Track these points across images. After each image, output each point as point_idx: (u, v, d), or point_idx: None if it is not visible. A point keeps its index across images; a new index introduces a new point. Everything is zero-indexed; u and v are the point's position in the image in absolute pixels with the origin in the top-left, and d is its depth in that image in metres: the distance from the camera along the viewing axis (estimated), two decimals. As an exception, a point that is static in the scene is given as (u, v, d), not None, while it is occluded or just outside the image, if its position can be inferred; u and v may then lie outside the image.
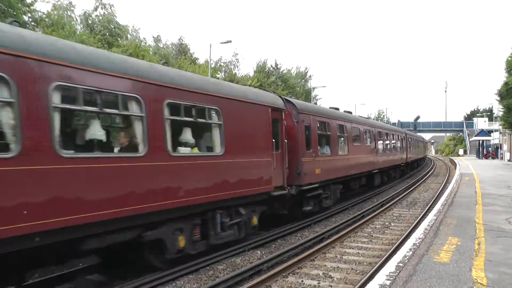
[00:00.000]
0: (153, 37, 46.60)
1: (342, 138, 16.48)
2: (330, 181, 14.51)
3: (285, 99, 12.56)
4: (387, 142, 24.77)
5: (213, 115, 8.74)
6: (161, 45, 46.27)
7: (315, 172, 13.16)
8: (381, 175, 23.08)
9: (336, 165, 15.22)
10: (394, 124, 67.32)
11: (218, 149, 8.73)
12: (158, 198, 7.05)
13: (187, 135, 8.22)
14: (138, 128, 6.92)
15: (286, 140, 11.50)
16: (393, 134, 26.76)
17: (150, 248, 7.54)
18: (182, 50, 48.99)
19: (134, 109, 6.88)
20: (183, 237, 7.86)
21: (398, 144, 28.09)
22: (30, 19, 26.88)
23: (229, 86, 10.20)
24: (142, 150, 6.90)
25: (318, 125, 13.91)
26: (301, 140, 12.55)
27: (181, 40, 49.96)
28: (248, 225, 9.98)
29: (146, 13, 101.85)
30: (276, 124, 11.21)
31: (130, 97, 6.80)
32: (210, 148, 8.76)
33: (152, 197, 6.94)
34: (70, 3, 33.81)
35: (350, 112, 20.43)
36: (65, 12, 32.93)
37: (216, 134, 8.77)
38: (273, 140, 10.76)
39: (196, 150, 8.34)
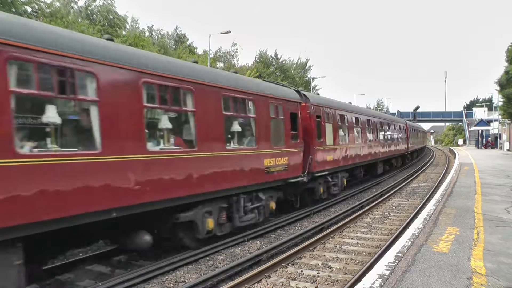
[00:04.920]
0: (148, 26, 46.22)
1: None
2: None
3: None
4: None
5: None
6: (155, 34, 45.95)
7: None
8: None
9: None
10: (393, 114, 65.23)
11: None
12: None
13: None
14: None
15: None
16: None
17: None
18: (179, 39, 48.66)
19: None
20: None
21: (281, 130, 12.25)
22: (33, 10, 26.60)
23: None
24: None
25: None
26: None
27: (177, 31, 49.57)
28: None
29: (144, 3, 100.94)
30: None
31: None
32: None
33: None
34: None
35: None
36: (69, 5, 32.68)
37: None
38: None
39: None
